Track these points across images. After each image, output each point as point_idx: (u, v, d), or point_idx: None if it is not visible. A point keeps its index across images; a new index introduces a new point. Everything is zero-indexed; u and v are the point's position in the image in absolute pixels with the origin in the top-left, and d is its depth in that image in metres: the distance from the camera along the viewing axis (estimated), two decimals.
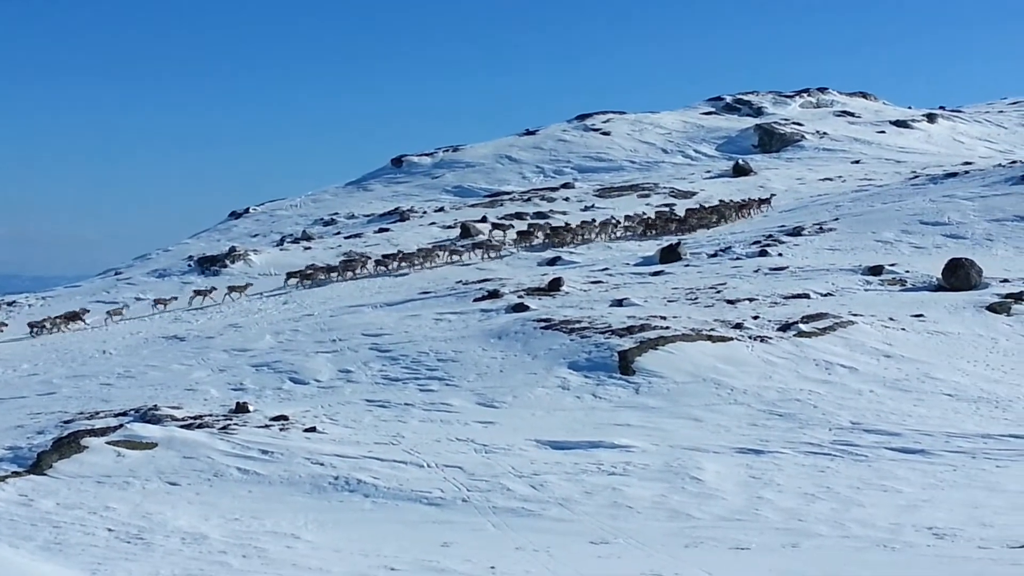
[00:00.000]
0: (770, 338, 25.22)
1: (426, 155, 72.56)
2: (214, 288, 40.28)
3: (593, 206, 53.46)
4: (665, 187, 58.15)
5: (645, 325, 26.20)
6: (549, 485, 17.71)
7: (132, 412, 22.76)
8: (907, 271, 31.98)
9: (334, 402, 23.56)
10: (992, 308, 27.55)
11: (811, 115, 77.20)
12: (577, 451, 19.32)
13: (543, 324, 27.24)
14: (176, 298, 40.24)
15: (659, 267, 36.37)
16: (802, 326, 25.78)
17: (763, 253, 36.72)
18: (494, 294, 32.41)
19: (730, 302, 29.19)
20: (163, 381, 26.90)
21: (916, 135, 71.57)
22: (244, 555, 15.02)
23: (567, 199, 56.60)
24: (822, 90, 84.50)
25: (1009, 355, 24.62)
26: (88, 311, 39.05)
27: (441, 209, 57.91)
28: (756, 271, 33.79)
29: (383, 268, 42.08)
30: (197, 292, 40.24)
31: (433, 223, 53.16)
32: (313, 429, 21.02)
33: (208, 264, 47.65)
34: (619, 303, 29.62)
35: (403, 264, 42.18)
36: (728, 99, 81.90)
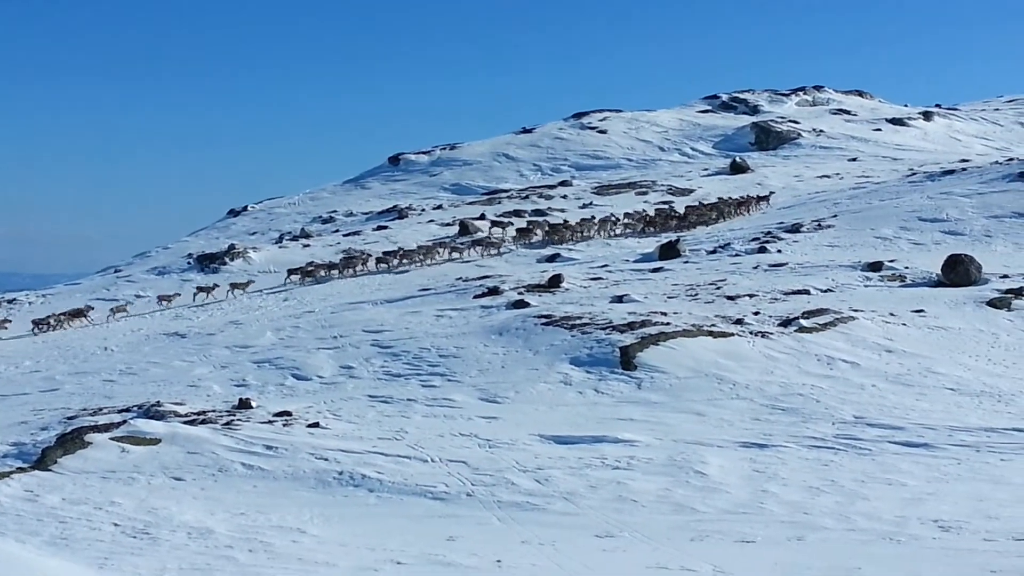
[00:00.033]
0: (771, 333, 25.25)
1: (423, 153, 72.62)
2: (217, 285, 40.34)
3: (591, 203, 53.53)
4: (662, 185, 58.23)
5: (646, 321, 26.23)
6: (553, 479, 17.73)
7: (135, 408, 22.76)
8: (906, 267, 32.03)
9: (337, 398, 23.57)
10: (992, 303, 27.58)
11: (807, 113, 77.30)
12: (581, 446, 19.35)
13: (544, 320, 27.25)
14: (180, 295, 40.43)
15: (658, 264, 36.40)
16: (803, 321, 25.80)
17: (762, 250, 36.76)
18: (494, 291, 32.42)
19: (730, 298, 29.23)
20: (165, 377, 26.91)
21: (912, 133, 71.68)
22: (250, 549, 15.05)
23: (565, 197, 56.65)
24: (818, 88, 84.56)
25: (1010, 350, 24.66)
26: (93, 308, 39.14)
27: (439, 207, 57.95)
28: (755, 267, 33.83)
29: (384, 265, 42.14)
30: (200, 288, 40.34)
31: (431, 221, 53.22)
32: (316, 425, 21.03)
33: (208, 262, 47.72)
34: (619, 299, 29.65)
35: (404, 261, 42.23)
36: (724, 97, 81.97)
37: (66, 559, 14.04)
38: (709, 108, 79.75)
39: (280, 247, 50.90)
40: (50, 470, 18.94)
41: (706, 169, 63.27)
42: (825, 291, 29.68)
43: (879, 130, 71.52)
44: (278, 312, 34.96)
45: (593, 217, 46.71)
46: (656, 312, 27.40)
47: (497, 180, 65.20)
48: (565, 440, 19.70)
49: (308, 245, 50.29)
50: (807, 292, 29.52)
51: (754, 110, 78.14)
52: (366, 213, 59.24)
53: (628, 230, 45.14)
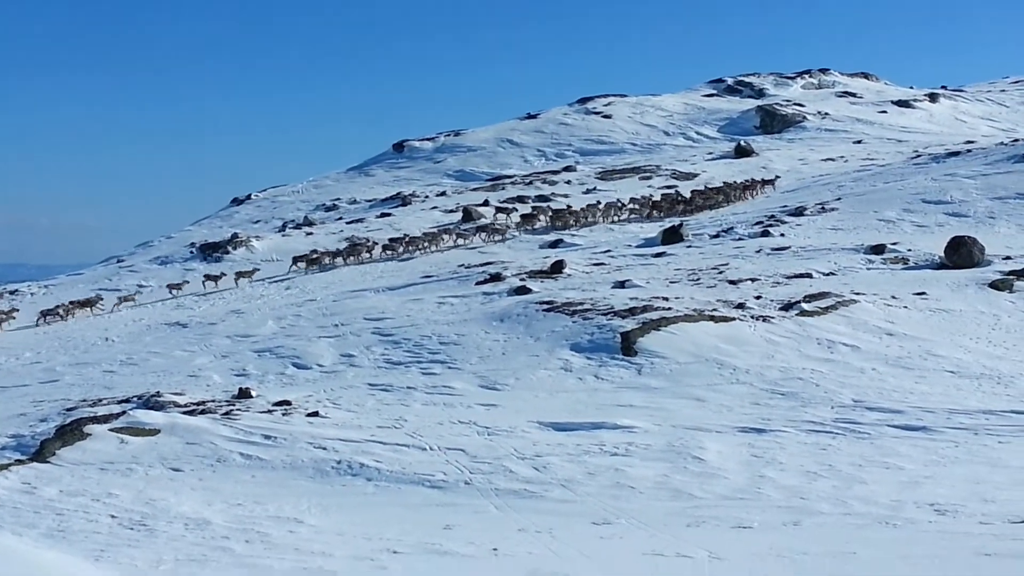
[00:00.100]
0: (772, 318, 25.18)
1: (427, 140, 72.64)
2: (223, 274, 40.41)
3: (595, 189, 53.46)
4: (667, 169, 58.13)
5: (647, 306, 26.17)
6: (552, 466, 17.70)
7: (135, 399, 22.78)
8: (909, 249, 31.94)
9: (337, 386, 23.56)
10: (994, 285, 27.50)
11: (813, 96, 77.13)
12: (579, 432, 19.31)
13: (545, 306, 27.22)
14: (188, 282, 40.57)
15: (661, 248, 36.33)
16: (804, 305, 25.73)
17: (765, 233, 36.68)
18: (496, 277, 32.39)
19: (732, 282, 29.17)
20: (165, 368, 26.92)
21: (918, 115, 71.47)
22: (247, 540, 15.02)
23: (569, 182, 56.58)
24: (823, 71, 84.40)
25: (1011, 332, 24.57)
26: (101, 298, 39.22)
27: (443, 193, 57.92)
28: (758, 251, 33.75)
29: (390, 252, 42.14)
30: (208, 277, 40.43)
31: (435, 207, 53.21)
32: (316, 414, 21.02)
33: (210, 251, 47.76)
34: (621, 285, 29.60)
35: (410, 248, 42.23)
36: (729, 81, 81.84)
37: (63, 551, 14.04)
38: (714, 92, 79.62)
39: (283, 235, 50.92)
40: (48, 462, 18.94)
41: (711, 153, 63.16)
42: (827, 274, 29.61)
43: (884, 112, 71.33)
44: (280, 301, 34.98)
45: (599, 202, 46.64)
46: (658, 297, 27.35)
47: (501, 166, 65.18)
48: (564, 427, 19.67)
49: (311, 233, 50.29)
50: (809, 276, 29.45)
51: (759, 93, 78.00)
52: (370, 200, 59.26)
53: (634, 215, 45.08)
